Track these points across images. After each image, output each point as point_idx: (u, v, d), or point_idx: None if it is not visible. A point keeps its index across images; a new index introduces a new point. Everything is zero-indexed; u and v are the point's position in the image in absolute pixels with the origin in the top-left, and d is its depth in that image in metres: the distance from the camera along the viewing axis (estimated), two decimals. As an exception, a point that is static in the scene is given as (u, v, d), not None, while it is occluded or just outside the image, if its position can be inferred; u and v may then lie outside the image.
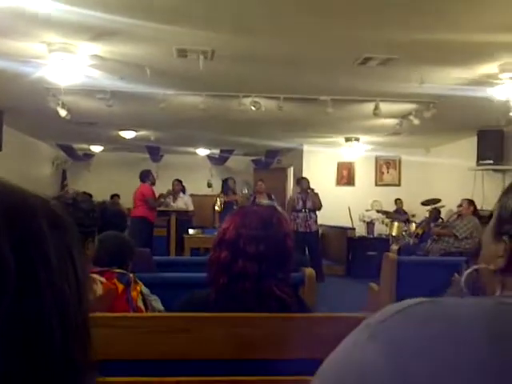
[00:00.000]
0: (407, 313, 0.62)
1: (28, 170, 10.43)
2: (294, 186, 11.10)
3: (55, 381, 0.50)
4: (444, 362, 0.57)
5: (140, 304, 1.88)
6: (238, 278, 1.59)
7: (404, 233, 9.63)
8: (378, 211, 10.72)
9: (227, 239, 1.63)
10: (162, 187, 9.55)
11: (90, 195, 3.89)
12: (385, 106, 6.75)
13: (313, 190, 8.64)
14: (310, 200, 8.55)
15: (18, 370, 0.47)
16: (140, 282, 1.99)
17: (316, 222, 8.66)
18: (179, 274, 3.20)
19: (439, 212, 9.21)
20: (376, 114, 6.73)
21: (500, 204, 0.74)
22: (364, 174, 11.70)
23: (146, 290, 2.21)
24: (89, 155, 13.56)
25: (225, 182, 9.62)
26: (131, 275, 1.86)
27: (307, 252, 8.35)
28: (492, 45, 4.46)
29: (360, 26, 4.18)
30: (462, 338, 0.58)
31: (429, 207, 9.38)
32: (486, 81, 5.39)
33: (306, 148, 11.40)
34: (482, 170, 8.77)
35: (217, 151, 13.22)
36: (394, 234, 9.83)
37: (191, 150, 12.82)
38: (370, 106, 6.75)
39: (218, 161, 13.73)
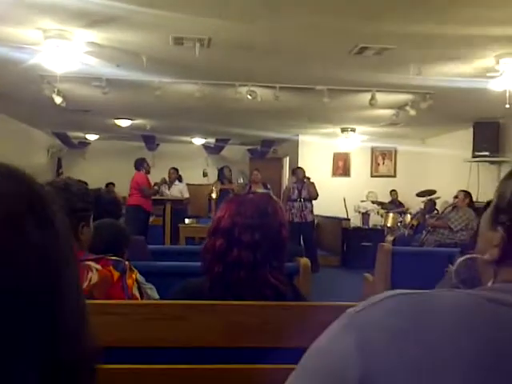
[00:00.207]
0: (379, 304, 0.63)
1: (23, 157, 10.37)
2: (289, 176, 11.09)
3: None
4: (404, 356, 0.57)
5: (135, 292, 1.88)
6: (233, 266, 1.58)
7: (399, 224, 9.65)
8: (373, 202, 10.74)
9: (222, 227, 1.62)
10: (157, 176, 9.54)
11: (86, 183, 3.88)
12: (381, 97, 6.74)
13: (309, 178, 8.63)
14: (306, 189, 8.54)
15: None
16: (135, 270, 1.99)
17: (312, 211, 8.64)
18: (174, 263, 3.15)
19: (434, 203, 9.22)
20: (372, 104, 6.72)
21: (498, 193, 0.75)
22: (360, 164, 11.71)
23: (141, 278, 2.21)
24: (84, 143, 13.51)
25: (220, 170, 9.57)
26: (127, 263, 1.86)
27: (302, 242, 8.36)
28: (488, 38, 4.46)
29: (356, 15, 4.17)
30: (429, 331, 0.59)
31: (424, 198, 9.40)
32: (483, 73, 5.40)
33: (301, 138, 11.40)
34: (478, 161, 8.78)
35: (212, 140, 13.18)
36: (389, 224, 9.83)
37: (187, 139, 12.78)
38: (367, 97, 6.73)
39: (213, 150, 13.69)
